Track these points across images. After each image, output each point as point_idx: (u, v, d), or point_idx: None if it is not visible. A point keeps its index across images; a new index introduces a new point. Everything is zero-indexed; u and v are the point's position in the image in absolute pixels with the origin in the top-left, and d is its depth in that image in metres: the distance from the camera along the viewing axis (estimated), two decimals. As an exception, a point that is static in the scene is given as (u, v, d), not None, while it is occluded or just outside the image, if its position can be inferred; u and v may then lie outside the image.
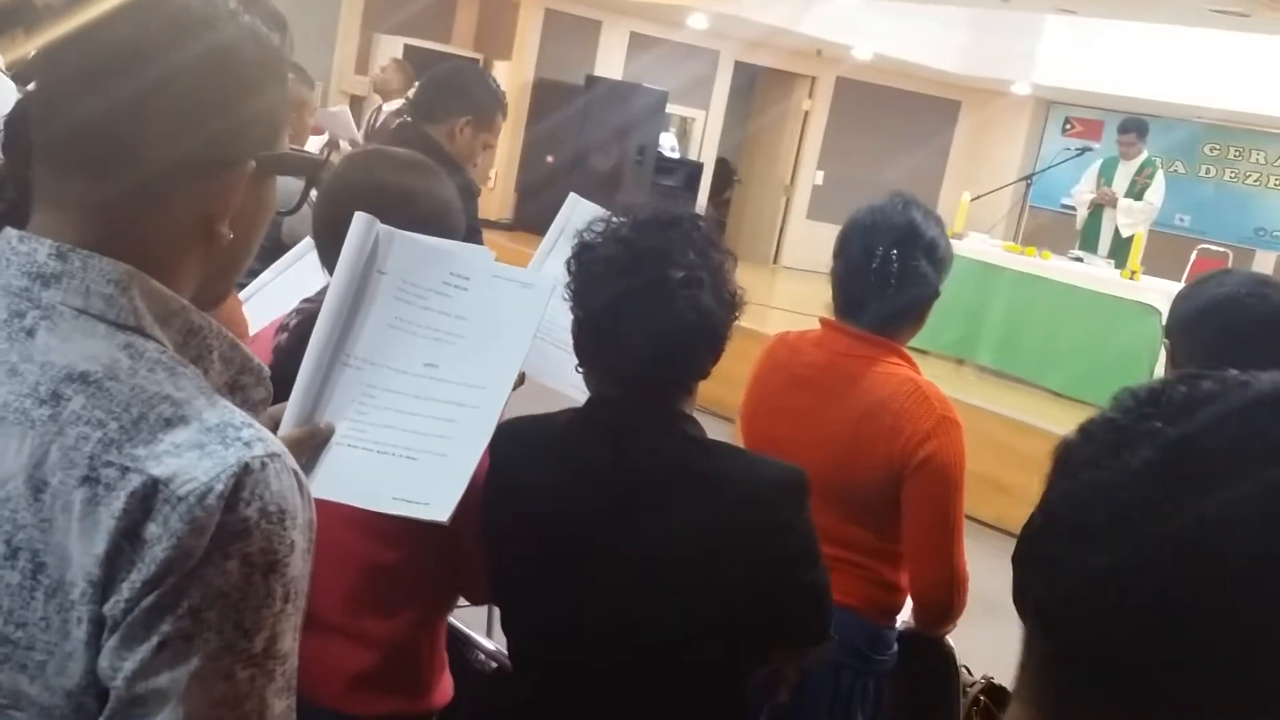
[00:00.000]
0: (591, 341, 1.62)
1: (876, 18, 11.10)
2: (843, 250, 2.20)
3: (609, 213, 1.64)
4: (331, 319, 1.43)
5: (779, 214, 13.53)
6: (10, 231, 0.93)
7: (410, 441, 1.41)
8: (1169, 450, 0.58)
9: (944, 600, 2.09)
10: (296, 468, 0.91)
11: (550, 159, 11.27)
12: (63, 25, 0.90)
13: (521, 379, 1.95)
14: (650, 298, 1.54)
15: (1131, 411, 0.62)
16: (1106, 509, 0.59)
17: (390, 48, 10.42)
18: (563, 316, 1.95)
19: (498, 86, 3.75)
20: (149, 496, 0.84)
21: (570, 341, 1.90)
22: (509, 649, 1.74)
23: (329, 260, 1.70)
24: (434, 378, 1.44)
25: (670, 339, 1.56)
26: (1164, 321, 1.94)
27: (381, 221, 1.50)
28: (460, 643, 1.89)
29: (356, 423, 1.41)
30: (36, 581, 0.85)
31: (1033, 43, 12.06)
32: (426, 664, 1.78)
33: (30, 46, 0.94)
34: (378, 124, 6.74)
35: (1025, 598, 0.65)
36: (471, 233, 3.62)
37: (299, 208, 1.11)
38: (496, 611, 3.22)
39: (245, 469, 0.86)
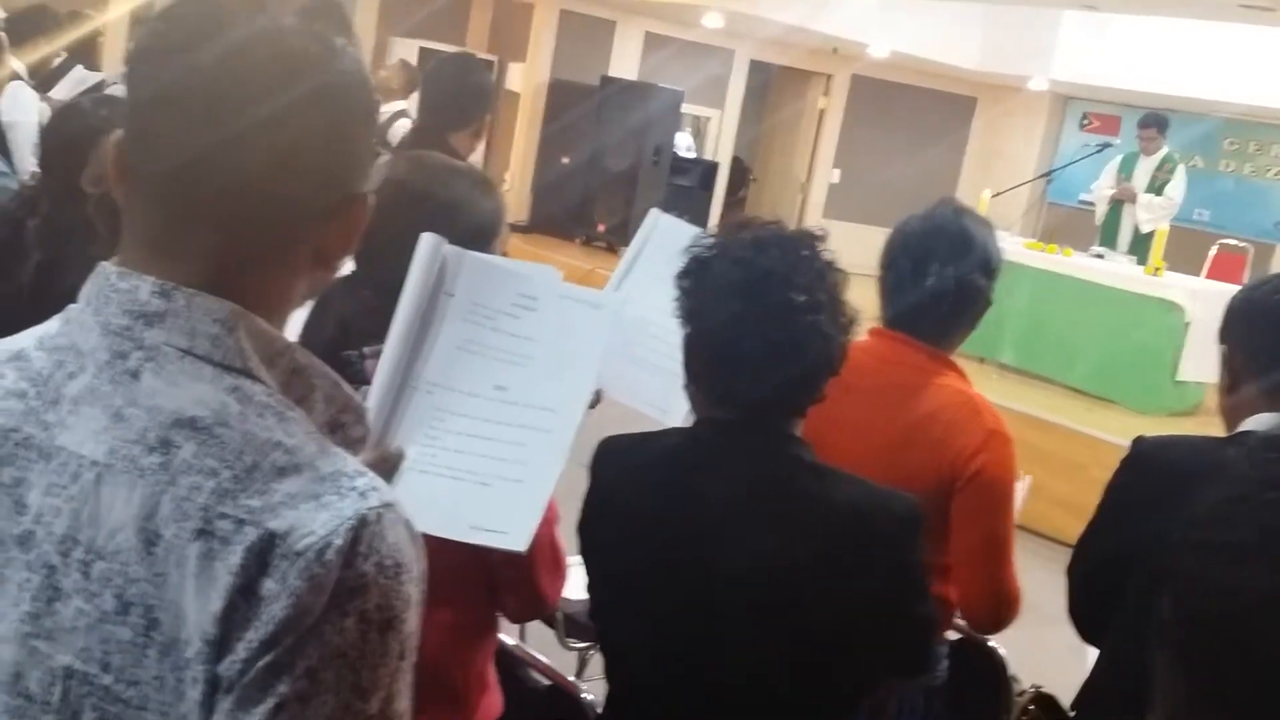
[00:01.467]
0: (707, 362, 1.60)
1: (892, 15, 11.06)
2: (892, 262, 2.18)
3: (700, 230, 1.62)
4: (400, 342, 1.41)
5: (795, 212, 13.50)
6: (108, 267, 0.90)
7: (483, 466, 1.39)
8: None
9: (990, 616, 2.07)
10: (409, 518, 0.88)
11: (565, 160, 11.27)
12: (175, 60, 0.87)
13: (598, 397, 1.94)
14: (772, 321, 1.52)
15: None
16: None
17: (405, 50, 10.43)
18: (641, 333, 1.93)
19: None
20: (265, 551, 0.80)
21: (648, 359, 1.88)
22: (605, 670, 1.72)
23: (362, 263, 1.69)
24: (504, 400, 1.42)
25: (791, 364, 1.54)
26: (1220, 324, 1.91)
27: (404, 222, 1.48)
28: (512, 661, 1.87)
29: (428, 447, 1.39)
30: (149, 639, 0.83)
31: (1049, 38, 12.00)
32: (463, 681, 1.76)
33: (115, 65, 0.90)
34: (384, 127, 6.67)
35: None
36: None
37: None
38: (531, 629, 3.22)
39: (362, 521, 0.83)
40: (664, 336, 1.91)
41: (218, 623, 0.80)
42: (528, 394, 1.41)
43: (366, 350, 1.59)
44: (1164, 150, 8.77)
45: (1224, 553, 0.61)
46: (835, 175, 13.46)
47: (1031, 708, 2.36)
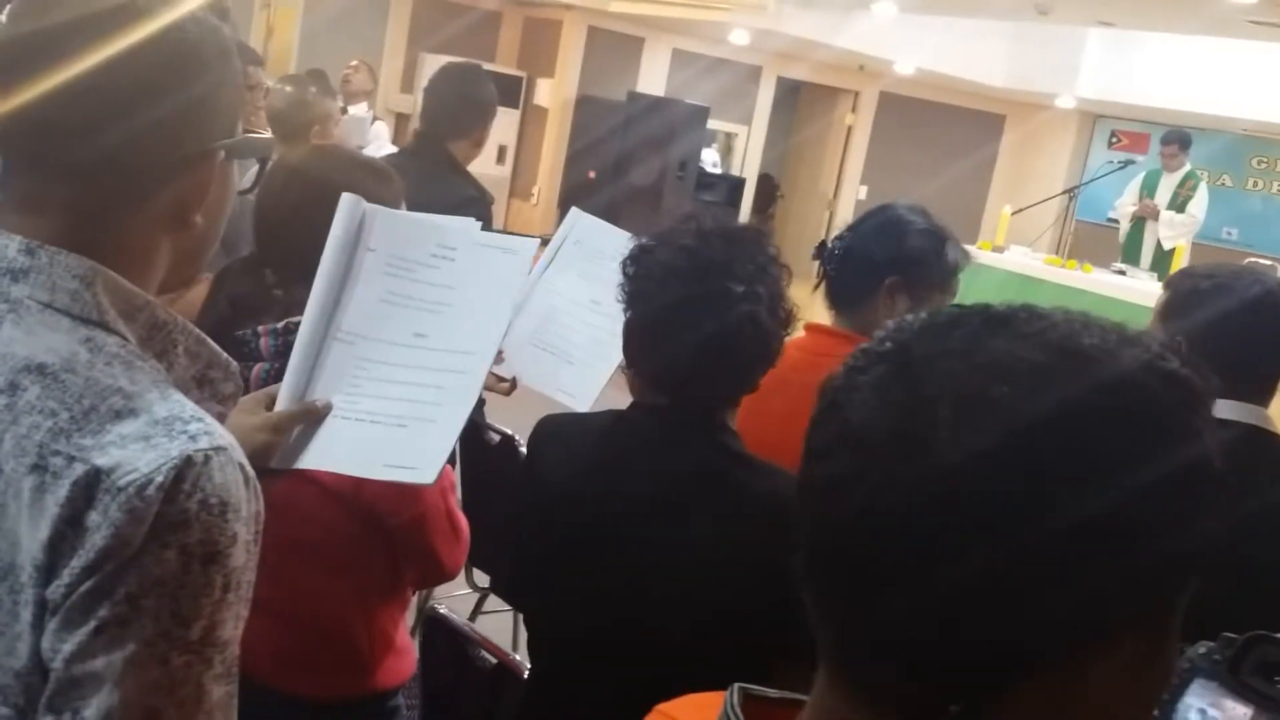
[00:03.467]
0: (644, 346, 1.64)
1: (918, 32, 11.08)
2: (827, 255, 2.23)
3: (627, 234, 1.68)
4: (322, 296, 1.47)
5: (823, 229, 13.51)
6: None
7: (401, 409, 1.45)
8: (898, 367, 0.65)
9: None
10: (244, 461, 0.94)
11: (592, 174, 11.36)
12: (24, 30, 0.93)
13: (514, 383, 2.02)
14: (709, 308, 1.56)
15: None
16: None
17: (436, 66, 10.53)
18: (555, 323, 2.01)
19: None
20: (91, 485, 0.87)
21: (560, 347, 1.95)
22: (529, 642, 1.77)
23: (260, 244, 1.77)
24: (424, 347, 1.47)
25: (725, 351, 1.58)
26: (1162, 304, 1.96)
27: (323, 217, 1.54)
28: (462, 639, 1.94)
29: (350, 395, 1.45)
30: None
31: (1076, 56, 11.99)
32: (366, 643, 1.82)
33: None
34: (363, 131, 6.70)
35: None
36: None
37: (253, 189, 1.15)
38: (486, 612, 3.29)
39: (187, 462, 0.88)
40: (574, 325, 1.99)
41: (45, 550, 0.87)
42: (446, 339, 1.48)
43: (260, 329, 1.67)
44: (1186, 167, 8.75)
45: None
46: (862, 192, 13.47)
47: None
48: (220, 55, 1.00)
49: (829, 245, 2.21)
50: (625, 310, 1.63)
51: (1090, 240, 11.49)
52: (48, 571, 0.87)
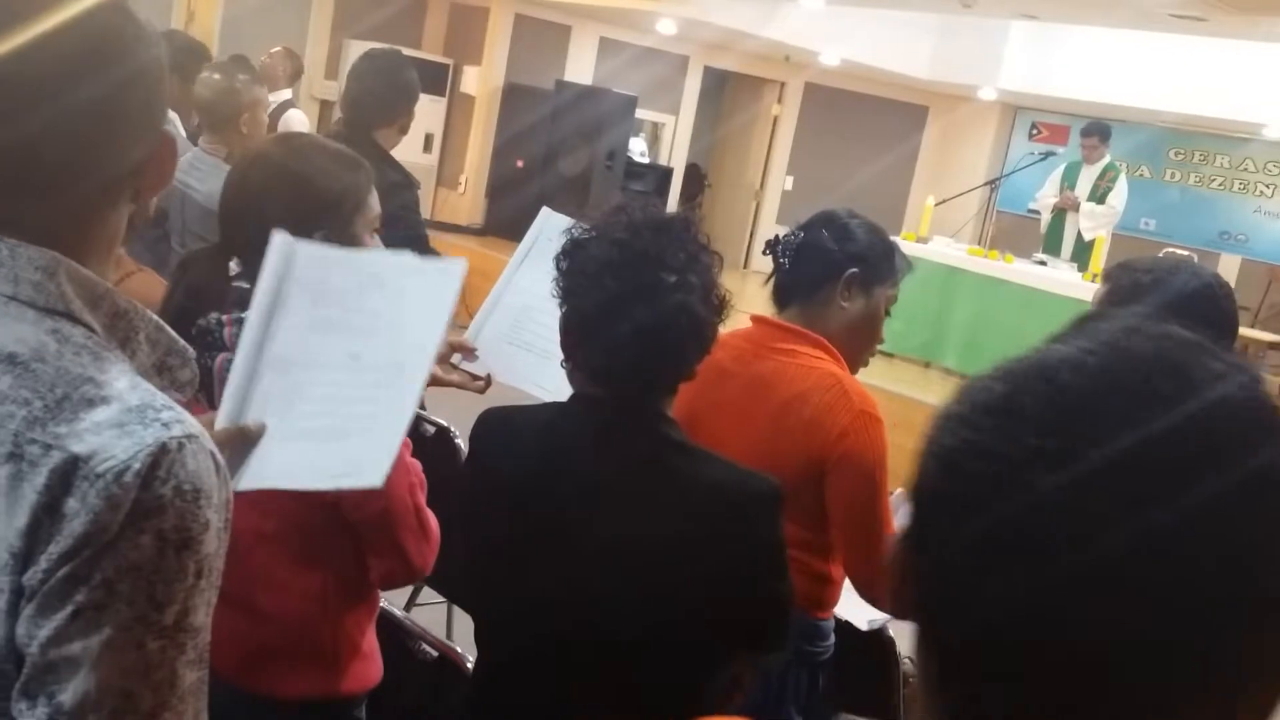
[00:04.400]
0: (580, 339, 1.66)
1: (844, 23, 11.17)
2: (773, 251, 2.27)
3: (579, 222, 1.68)
4: (256, 327, 1.51)
5: (749, 219, 13.61)
6: None
7: (338, 423, 1.50)
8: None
9: (871, 590, 2.13)
10: (214, 449, 0.96)
11: (520, 163, 11.30)
12: None
13: (489, 381, 2.02)
14: (642, 300, 1.58)
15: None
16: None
17: (360, 53, 10.42)
18: (529, 320, 2.01)
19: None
20: (69, 473, 0.88)
21: (534, 344, 1.95)
22: (475, 632, 1.77)
23: (225, 232, 1.76)
24: (358, 367, 1.52)
25: (660, 342, 1.60)
26: (1101, 297, 2.01)
27: (283, 205, 1.60)
28: (403, 632, 1.92)
29: (286, 418, 1.48)
30: None
31: (999, 48, 12.16)
32: (332, 643, 1.81)
33: None
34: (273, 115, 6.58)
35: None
36: (418, 229, 3.63)
37: None
38: (422, 604, 3.28)
39: (162, 449, 0.90)
40: (549, 323, 2.00)
41: (23, 537, 0.88)
42: (379, 357, 1.52)
43: (224, 318, 1.66)
44: (1106, 159, 8.91)
45: None
46: (789, 183, 13.57)
47: (920, 686, 2.43)
48: (150, 42, 0.99)
49: (781, 240, 2.25)
50: (560, 305, 1.64)
51: (1011, 231, 11.68)
52: (24, 558, 0.88)
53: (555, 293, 1.65)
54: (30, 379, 0.91)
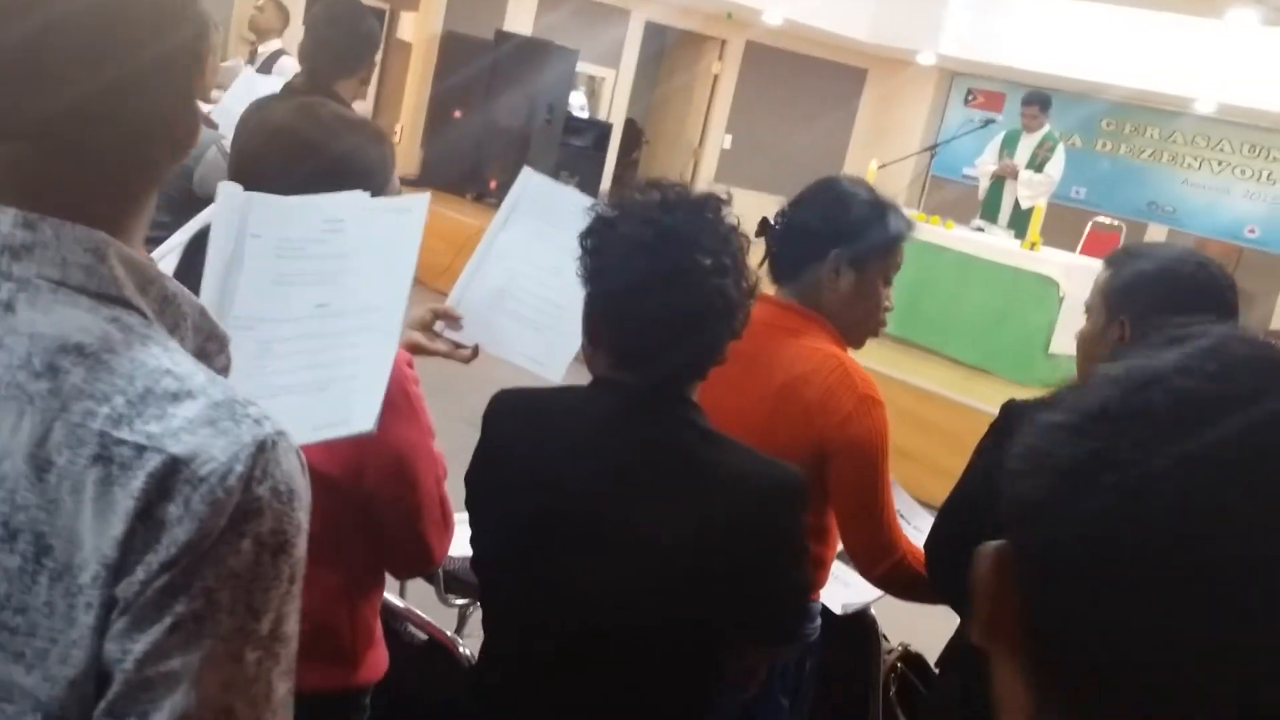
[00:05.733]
0: (608, 323, 1.59)
1: (788, -17, 11.14)
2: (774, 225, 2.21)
3: (605, 199, 1.62)
4: (215, 288, 1.44)
5: (687, 177, 13.54)
6: None
7: (315, 375, 1.46)
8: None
9: (873, 569, 2.10)
10: (298, 447, 0.89)
11: (458, 114, 11.12)
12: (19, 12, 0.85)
13: (476, 351, 1.94)
14: (677, 284, 1.52)
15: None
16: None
17: (295, -4, 10.16)
18: (515, 288, 1.93)
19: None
20: (168, 476, 0.81)
21: (522, 313, 1.88)
22: (484, 619, 1.72)
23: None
24: (327, 315, 1.48)
25: (694, 326, 1.54)
26: (1105, 282, 1.98)
27: (296, 174, 1.53)
28: (390, 615, 1.87)
29: (256, 375, 1.43)
30: (40, 565, 0.81)
31: (938, 14, 12.21)
32: (350, 636, 1.76)
33: None
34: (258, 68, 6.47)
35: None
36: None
37: None
38: (410, 585, 3.21)
39: (260, 448, 0.84)
40: (537, 290, 1.93)
41: (117, 547, 0.80)
42: (349, 302, 1.48)
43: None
44: (1046, 128, 8.98)
45: None
46: (727, 141, 13.53)
47: (899, 665, 2.44)
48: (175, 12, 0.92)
49: (772, 220, 2.19)
50: (586, 285, 1.58)
51: (948, 197, 11.78)
52: (118, 569, 0.80)
53: (580, 273, 1.58)
54: (105, 372, 0.83)
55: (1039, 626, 0.61)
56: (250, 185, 1.47)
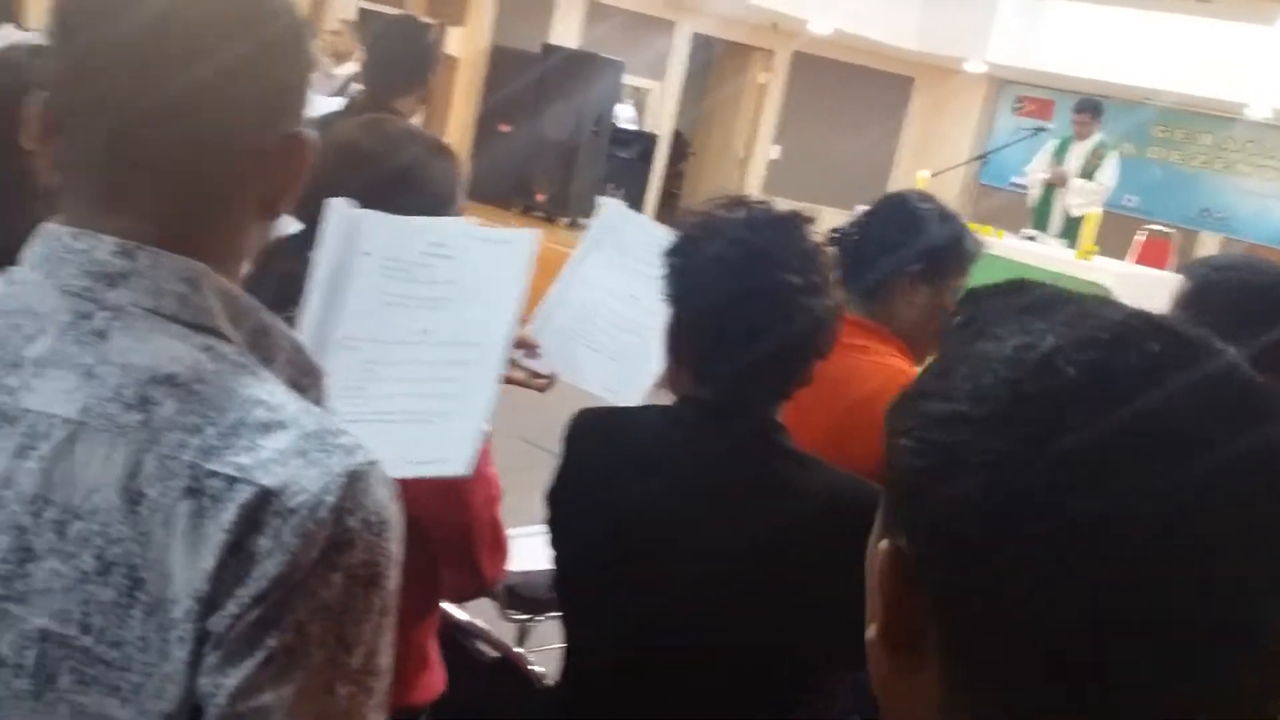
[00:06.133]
0: (695, 342, 1.57)
1: (834, -8, 11.12)
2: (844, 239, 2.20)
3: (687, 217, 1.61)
4: (318, 304, 1.43)
5: (734, 188, 13.53)
6: (56, 228, 0.88)
7: (415, 405, 1.43)
8: None
9: None
10: (389, 476, 0.89)
11: (505, 128, 11.17)
12: (108, 10, 0.86)
13: (552, 380, 1.95)
14: (766, 303, 1.50)
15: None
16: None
17: (344, 10, 10.26)
18: (595, 317, 1.94)
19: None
20: (259, 508, 0.80)
21: (601, 343, 1.87)
22: (565, 638, 1.71)
23: (312, 223, 1.68)
24: (430, 342, 1.45)
25: (785, 347, 1.52)
26: (1182, 294, 1.96)
27: (357, 186, 1.51)
28: (461, 633, 1.87)
29: (358, 399, 1.41)
30: (134, 599, 0.81)
31: (986, 21, 12.13)
32: (401, 659, 1.75)
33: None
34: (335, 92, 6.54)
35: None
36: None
37: None
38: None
39: (351, 478, 0.83)
40: (614, 319, 1.93)
41: (209, 580, 0.80)
42: (451, 332, 1.46)
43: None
44: (1097, 136, 8.89)
45: None
46: (774, 151, 13.50)
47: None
48: (291, 35, 0.92)
49: (844, 233, 2.18)
50: (671, 306, 1.57)
51: (996, 206, 11.68)
52: (209, 602, 0.80)
53: (665, 292, 1.57)
54: (196, 403, 0.83)
55: (963, 619, 0.59)
56: (316, 200, 1.47)
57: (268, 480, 0.81)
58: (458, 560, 1.69)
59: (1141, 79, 11.22)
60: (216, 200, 0.90)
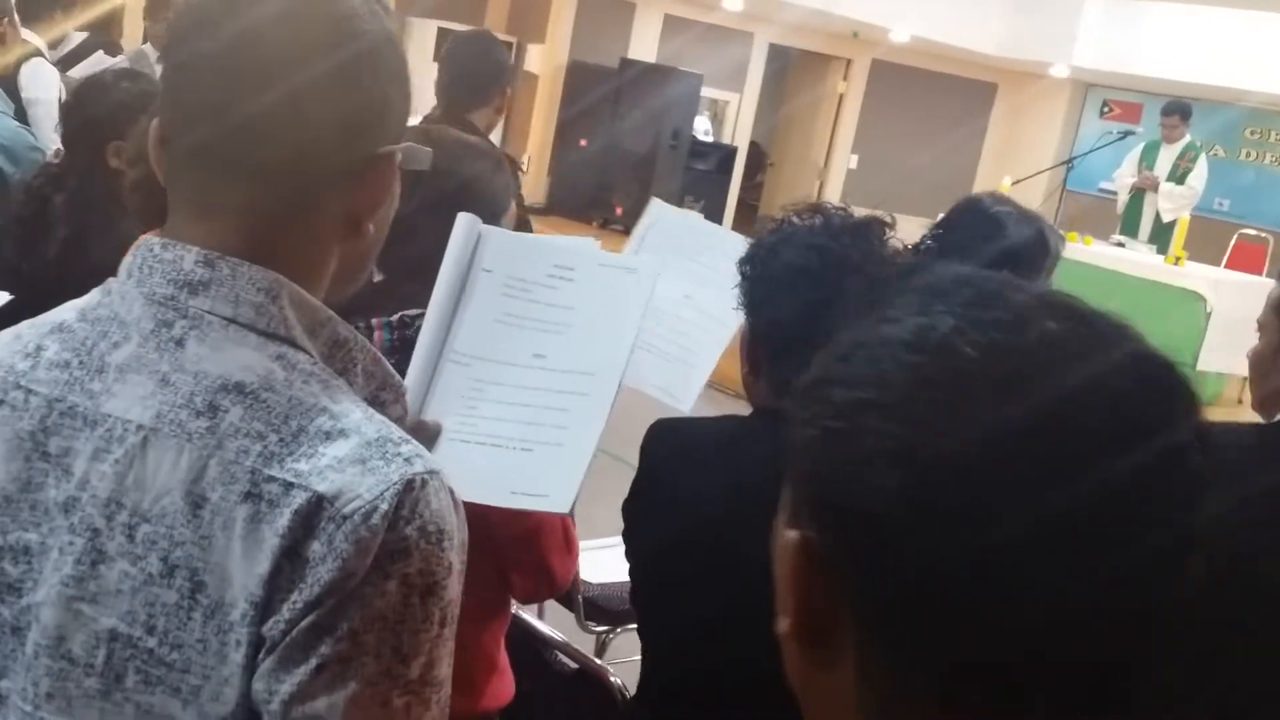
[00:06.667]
0: (772, 351, 1.55)
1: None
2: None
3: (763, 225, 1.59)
4: (438, 317, 1.42)
5: (813, 198, 13.44)
6: (150, 239, 0.90)
7: (523, 432, 1.39)
8: None
9: None
10: (453, 486, 0.89)
11: (584, 142, 11.24)
12: (208, 28, 0.88)
13: None
14: (845, 311, 1.49)
15: None
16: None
17: (423, 31, 10.39)
18: (649, 319, 1.92)
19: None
20: (312, 514, 0.81)
21: (656, 344, 1.85)
22: (642, 651, 1.70)
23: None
24: (543, 368, 1.42)
25: None
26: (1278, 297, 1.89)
27: (416, 198, 1.48)
28: (539, 643, 1.86)
29: (466, 417, 1.39)
30: (195, 601, 0.82)
31: (1071, 25, 11.93)
32: (469, 663, 1.75)
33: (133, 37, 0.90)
34: None
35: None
36: (519, 211, 3.60)
37: None
38: (549, 612, 3.21)
39: (408, 486, 0.83)
40: (671, 323, 1.91)
41: (264, 584, 0.81)
42: (567, 360, 1.42)
43: (374, 321, 1.59)
44: (1186, 139, 8.70)
45: None
46: (853, 161, 13.40)
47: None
48: (388, 56, 0.93)
49: (925, 240, 2.14)
50: (747, 314, 1.54)
51: (1083, 211, 11.47)
52: (264, 607, 0.81)
53: (740, 301, 1.54)
54: (262, 410, 0.84)
55: (876, 608, 0.59)
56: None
57: (322, 486, 0.81)
58: (528, 564, 1.68)
59: (1230, 79, 10.94)
60: (299, 215, 0.91)
